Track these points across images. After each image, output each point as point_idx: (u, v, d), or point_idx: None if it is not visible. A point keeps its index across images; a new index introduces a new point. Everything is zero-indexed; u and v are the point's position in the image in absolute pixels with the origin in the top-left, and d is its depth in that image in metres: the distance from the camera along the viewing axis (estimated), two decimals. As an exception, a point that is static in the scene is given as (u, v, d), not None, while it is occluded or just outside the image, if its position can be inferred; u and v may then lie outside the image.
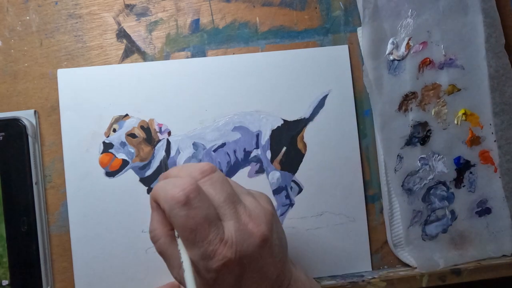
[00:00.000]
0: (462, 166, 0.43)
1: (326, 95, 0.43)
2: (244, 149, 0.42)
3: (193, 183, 0.29)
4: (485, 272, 0.42)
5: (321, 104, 0.43)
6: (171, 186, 0.29)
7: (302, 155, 0.43)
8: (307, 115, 0.43)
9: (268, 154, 0.42)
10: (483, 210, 0.44)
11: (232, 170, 0.42)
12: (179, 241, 0.30)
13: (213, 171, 0.31)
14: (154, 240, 0.32)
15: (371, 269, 0.43)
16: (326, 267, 0.42)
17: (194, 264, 0.29)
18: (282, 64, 0.43)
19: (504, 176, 0.44)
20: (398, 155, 0.43)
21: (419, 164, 0.43)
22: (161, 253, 0.32)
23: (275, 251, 0.31)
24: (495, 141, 0.44)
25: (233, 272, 0.29)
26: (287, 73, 0.43)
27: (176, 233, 0.31)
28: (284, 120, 0.43)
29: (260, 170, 0.42)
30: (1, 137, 0.39)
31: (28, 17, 0.42)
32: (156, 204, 0.31)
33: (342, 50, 0.44)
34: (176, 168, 0.33)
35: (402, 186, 0.43)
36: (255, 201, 0.32)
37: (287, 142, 0.43)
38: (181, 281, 0.30)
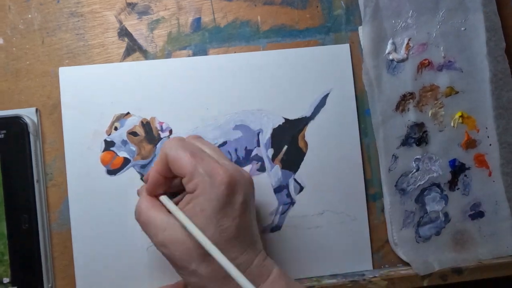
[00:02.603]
0: (457, 169, 0.44)
1: (327, 94, 0.43)
2: (245, 147, 0.42)
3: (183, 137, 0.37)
4: (486, 271, 0.42)
5: (322, 103, 0.43)
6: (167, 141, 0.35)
7: (303, 154, 0.43)
8: (308, 114, 0.43)
9: (269, 153, 0.42)
10: (476, 213, 0.44)
11: (233, 168, 0.42)
12: (164, 196, 0.35)
13: (200, 137, 0.38)
14: (138, 214, 0.34)
15: (372, 268, 0.43)
16: (327, 266, 0.42)
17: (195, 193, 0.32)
18: (284, 63, 0.43)
19: (498, 180, 0.44)
20: (393, 155, 0.43)
21: (414, 165, 0.43)
22: (146, 222, 0.34)
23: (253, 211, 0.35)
24: (490, 145, 0.44)
25: (234, 192, 0.32)
26: (289, 72, 0.43)
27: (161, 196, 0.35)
28: (285, 119, 0.43)
29: (261, 169, 0.42)
30: (2, 135, 0.39)
31: (30, 15, 0.42)
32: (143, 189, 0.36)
33: (344, 49, 0.44)
34: None
35: (395, 186, 0.43)
36: None
37: (288, 140, 0.43)
38: (167, 244, 0.32)
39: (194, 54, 0.43)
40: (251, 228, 0.33)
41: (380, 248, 0.43)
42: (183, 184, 0.33)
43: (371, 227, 0.43)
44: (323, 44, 0.44)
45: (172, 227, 0.32)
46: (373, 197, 0.43)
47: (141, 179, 0.41)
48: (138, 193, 0.37)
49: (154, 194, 0.35)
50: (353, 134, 0.43)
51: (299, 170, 0.42)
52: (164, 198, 0.34)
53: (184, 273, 0.32)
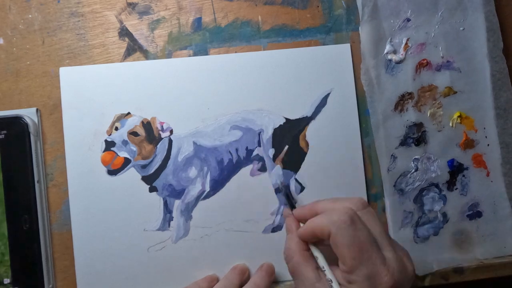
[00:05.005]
0: (455, 169, 0.44)
1: (328, 94, 0.43)
2: (246, 147, 0.42)
3: (354, 211, 0.33)
4: (487, 271, 0.42)
5: (323, 102, 0.43)
6: (336, 213, 0.32)
7: (304, 154, 0.43)
8: (309, 114, 0.43)
9: (270, 153, 0.42)
10: (474, 213, 0.44)
11: (234, 168, 0.42)
12: (321, 258, 0.34)
13: (368, 205, 0.35)
14: (288, 258, 0.35)
15: (373, 268, 0.43)
16: (328, 265, 0.42)
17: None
18: (284, 63, 0.43)
19: (496, 180, 0.44)
20: (392, 155, 0.43)
21: (413, 165, 0.43)
22: (294, 272, 0.34)
23: None
24: (488, 145, 0.44)
25: None
26: (289, 72, 0.43)
27: (315, 253, 0.34)
28: (286, 119, 0.43)
29: (262, 169, 0.42)
30: (3, 135, 0.39)
31: (30, 15, 0.42)
32: (295, 227, 0.36)
33: (344, 49, 0.44)
34: (327, 201, 0.36)
35: (394, 186, 0.43)
36: (400, 244, 0.35)
37: (289, 140, 0.43)
38: None
39: (195, 54, 0.43)
40: None
41: (381, 247, 0.43)
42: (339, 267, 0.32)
43: (372, 227, 0.43)
44: (323, 44, 0.44)
45: None
46: (374, 196, 0.43)
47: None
48: (287, 228, 0.37)
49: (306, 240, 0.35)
50: (354, 134, 0.43)
51: (300, 170, 0.42)
52: (324, 267, 0.33)
53: None
